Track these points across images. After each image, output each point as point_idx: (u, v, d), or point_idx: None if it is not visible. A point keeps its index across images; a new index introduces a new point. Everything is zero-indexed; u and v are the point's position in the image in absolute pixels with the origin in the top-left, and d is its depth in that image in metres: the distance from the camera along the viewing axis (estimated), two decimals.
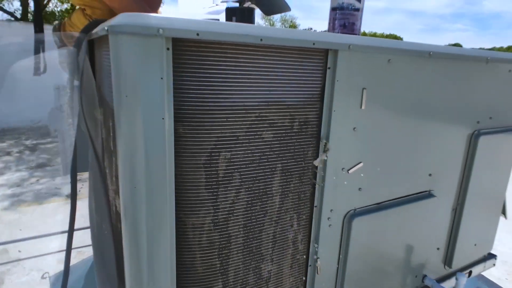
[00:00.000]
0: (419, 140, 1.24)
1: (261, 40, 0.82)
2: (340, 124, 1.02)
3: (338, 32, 1.22)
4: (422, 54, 1.13)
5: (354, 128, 1.05)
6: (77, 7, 1.45)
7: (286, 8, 1.58)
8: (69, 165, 1.42)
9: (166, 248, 0.85)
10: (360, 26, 1.23)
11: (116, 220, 1.07)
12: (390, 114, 1.13)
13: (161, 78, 0.73)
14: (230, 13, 1.58)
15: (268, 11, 1.63)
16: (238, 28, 0.79)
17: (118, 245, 1.05)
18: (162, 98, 0.75)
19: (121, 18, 0.71)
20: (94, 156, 1.09)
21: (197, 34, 0.74)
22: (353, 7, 1.19)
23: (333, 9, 1.22)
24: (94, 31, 0.99)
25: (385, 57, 1.04)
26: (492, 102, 1.45)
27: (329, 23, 1.25)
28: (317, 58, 0.95)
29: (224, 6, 1.63)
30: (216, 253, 0.94)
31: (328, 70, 0.97)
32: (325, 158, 1.02)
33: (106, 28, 0.72)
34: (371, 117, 1.08)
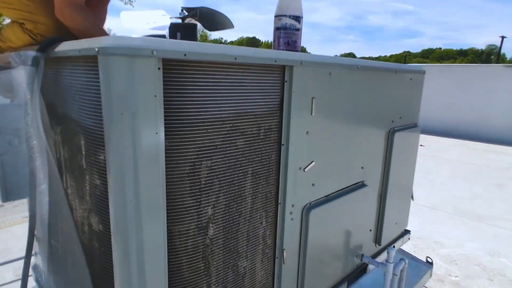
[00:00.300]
0: (353, 138, 1.48)
1: (235, 58, 0.92)
2: (297, 129, 1.17)
3: (283, 49, 1.38)
4: (352, 67, 1.36)
5: (307, 132, 1.22)
6: (8, 21, 1.35)
7: (229, 25, 1.70)
8: (23, 190, 1.31)
9: (160, 257, 0.88)
10: (300, 43, 1.42)
11: (88, 239, 1.05)
12: (332, 119, 1.33)
13: (155, 96, 0.78)
14: (175, 29, 1.64)
15: (210, 27, 1.73)
16: (217, 48, 0.88)
17: (92, 264, 1.03)
18: (155, 114, 0.80)
19: (114, 41, 0.74)
20: (58, 177, 1.05)
21: (184, 55, 0.81)
22: (294, 27, 1.37)
23: (277, 28, 1.38)
24: (60, 49, 0.97)
25: (327, 71, 1.24)
26: (400, 104, 1.78)
27: (274, 41, 1.41)
28: (276, 73, 1.09)
29: (167, 21, 1.67)
30: (200, 256, 1.00)
31: (285, 83, 1.11)
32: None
33: (96, 49, 0.74)
34: (319, 122, 1.26)
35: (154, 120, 0.80)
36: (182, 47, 0.81)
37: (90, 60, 0.86)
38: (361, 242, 1.70)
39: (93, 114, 0.89)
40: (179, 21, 1.68)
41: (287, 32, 1.36)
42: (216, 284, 1.07)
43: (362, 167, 1.58)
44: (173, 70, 0.84)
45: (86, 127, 0.93)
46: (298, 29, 1.38)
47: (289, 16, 1.35)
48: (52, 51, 1.02)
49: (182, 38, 1.70)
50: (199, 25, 1.74)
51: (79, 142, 0.98)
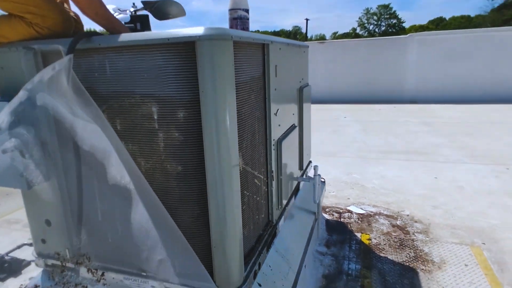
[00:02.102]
0: (289, 92, 2.16)
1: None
2: (272, 87, 1.76)
3: None
4: (286, 44, 2.01)
5: (275, 89, 1.81)
6: None
7: (181, 13, 2.04)
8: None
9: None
10: (249, 30, 1.97)
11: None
12: (282, 79, 1.96)
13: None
14: (135, 20, 1.92)
15: (161, 17, 2.04)
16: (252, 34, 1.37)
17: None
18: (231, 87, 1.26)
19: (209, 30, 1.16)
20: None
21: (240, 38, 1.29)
22: (245, 17, 1.91)
23: (233, 19, 1.89)
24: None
25: (278, 47, 1.85)
26: (301, 69, 2.56)
27: (232, 28, 1.91)
28: (259, 49, 1.63)
29: (125, 15, 1.90)
30: (243, 177, 1.50)
31: (265, 56, 1.67)
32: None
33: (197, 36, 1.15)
34: (278, 81, 1.87)
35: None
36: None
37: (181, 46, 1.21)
38: (296, 168, 2.44)
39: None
40: (141, 12, 1.94)
41: (242, 22, 1.89)
42: (248, 196, 1.59)
43: (293, 114, 2.30)
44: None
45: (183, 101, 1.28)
46: (248, 19, 1.92)
47: (242, 9, 1.88)
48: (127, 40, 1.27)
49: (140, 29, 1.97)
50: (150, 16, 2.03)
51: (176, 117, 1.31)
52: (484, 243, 2.85)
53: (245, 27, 1.91)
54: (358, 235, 3.05)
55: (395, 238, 2.99)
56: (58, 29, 1.48)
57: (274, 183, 1.88)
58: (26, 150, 1.44)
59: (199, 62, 1.20)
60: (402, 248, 2.83)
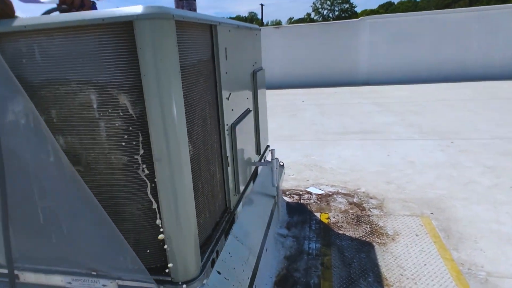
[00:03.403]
0: (238, 76, 2.11)
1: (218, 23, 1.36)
2: (222, 70, 1.70)
3: None
4: (235, 26, 1.95)
5: (226, 72, 1.76)
6: None
7: None
8: None
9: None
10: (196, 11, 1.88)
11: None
12: (234, 62, 1.90)
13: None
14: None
15: None
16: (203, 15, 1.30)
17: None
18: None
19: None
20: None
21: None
22: None
23: (179, 0, 1.79)
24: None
25: (228, 28, 1.79)
26: (254, 53, 2.52)
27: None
28: (206, 31, 1.57)
29: None
30: (195, 164, 1.45)
31: (213, 38, 1.61)
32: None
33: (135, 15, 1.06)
34: (229, 65, 1.81)
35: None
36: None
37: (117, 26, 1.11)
38: (253, 152, 2.42)
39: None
40: None
41: (189, 3, 1.80)
42: (202, 183, 1.54)
43: (247, 98, 2.26)
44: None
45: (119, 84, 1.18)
46: (195, 0, 1.84)
47: None
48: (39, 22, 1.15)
49: None
50: None
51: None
52: (432, 213, 3.05)
53: (192, 9, 1.83)
54: (318, 215, 3.13)
55: (352, 215, 3.11)
56: None
57: (229, 169, 1.84)
58: None
59: (138, 44, 1.11)
60: (359, 224, 2.95)
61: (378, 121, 6.40)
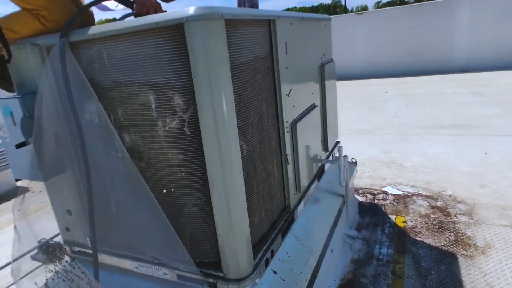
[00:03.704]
0: (306, 71, 2.03)
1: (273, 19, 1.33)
2: (282, 65, 1.65)
3: None
4: (299, 18, 1.87)
5: (286, 68, 1.70)
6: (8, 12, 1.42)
7: None
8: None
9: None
10: (259, 6, 1.86)
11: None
12: (296, 57, 1.83)
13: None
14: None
15: None
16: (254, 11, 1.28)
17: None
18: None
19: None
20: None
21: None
22: None
23: None
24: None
25: (289, 21, 1.72)
26: (323, 45, 2.40)
27: (240, 5, 1.81)
28: (264, 26, 1.53)
29: None
30: (250, 162, 1.44)
31: (272, 34, 1.56)
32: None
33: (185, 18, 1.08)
34: (290, 59, 1.75)
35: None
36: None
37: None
38: (319, 149, 2.33)
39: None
40: None
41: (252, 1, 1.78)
42: (257, 182, 1.53)
43: (313, 93, 2.17)
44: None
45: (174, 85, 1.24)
46: None
47: None
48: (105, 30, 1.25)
49: None
50: None
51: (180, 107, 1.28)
52: None
53: (254, 3, 1.81)
54: (393, 217, 2.88)
55: (434, 220, 2.79)
56: (62, 21, 1.48)
57: (289, 167, 1.79)
58: (40, 143, 1.49)
59: (188, 45, 1.13)
60: (441, 231, 2.63)
61: (477, 113, 5.61)
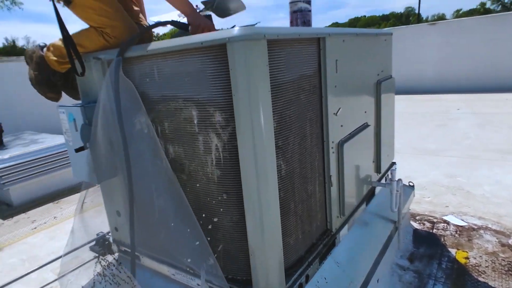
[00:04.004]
0: (358, 89, 1.94)
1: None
2: (330, 83, 1.59)
3: None
4: (354, 35, 1.80)
5: (335, 86, 1.64)
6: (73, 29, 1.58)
7: (241, 7, 2.01)
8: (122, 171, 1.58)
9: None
10: (311, 22, 1.82)
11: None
12: (347, 75, 1.76)
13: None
14: None
15: (223, 15, 2.05)
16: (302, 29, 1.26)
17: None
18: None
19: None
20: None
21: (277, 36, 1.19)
22: (307, 9, 1.77)
23: (294, 12, 1.77)
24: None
25: (341, 39, 1.66)
26: (381, 61, 2.28)
27: (292, 22, 1.80)
28: (313, 44, 1.49)
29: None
30: (288, 182, 1.40)
31: (321, 51, 1.52)
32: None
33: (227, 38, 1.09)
34: (340, 77, 1.69)
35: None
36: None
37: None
38: (369, 171, 2.20)
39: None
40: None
41: (303, 14, 1.76)
42: (295, 203, 1.48)
43: (366, 111, 2.06)
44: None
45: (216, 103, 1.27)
46: (310, 10, 1.78)
47: (303, 1, 1.74)
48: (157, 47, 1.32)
49: None
50: (213, 14, 2.06)
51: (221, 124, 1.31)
52: None
53: (306, 20, 1.78)
54: (453, 251, 2.61)
55: (503, 260, 2.46)
56: (123, 37, 1.60)
57: (333, 189, 1.72)
58: (95, 149, 1.62)
59: (230, 65, 1.15)
60: (511, 274, 2.31)
61: None
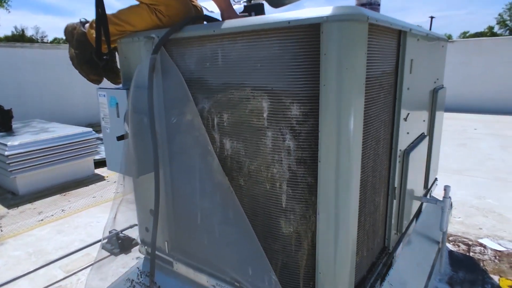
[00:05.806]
0: (423, 94, 1.77)
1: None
2: (404, 86, 1.42)
3: None
4: (424, 36, 1.64)
5: (408, 88, 1.48)
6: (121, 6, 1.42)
7: None
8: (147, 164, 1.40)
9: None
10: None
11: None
12: (417, 77, 1.60)
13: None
14: (248, 10, 1.79)
15: (277, 4, 1.89)
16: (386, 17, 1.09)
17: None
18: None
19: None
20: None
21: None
22: (376, 3, 1.61)
23: (362, 4, 1.61)
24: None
25: (416, 37, 1.50)
26: (437, 68, 2.12)
27: None
28: (393, 37, 1.33)
29: (239, 5, 1.81)
30: (361, 191, 1.23)
31: (400, 47, 1.36)
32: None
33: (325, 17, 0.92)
34: (413, 79, 1.52)
35: None
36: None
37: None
38: (421, 185, 2.02)
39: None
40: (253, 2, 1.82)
41: (372, 7, 1.60)
42: (365, 215, 1.30)
43: (424, 120, 1.89)
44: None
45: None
46: (379, 4, 1.62)
47: None
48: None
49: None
50: (265, 4, 1.90)
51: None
52: None
53: (374, 8, 1.61)
54: (495, 278, 2.42)
55: None
56: (178, 18, 1.44)
57: (395, 202, 1.54)
58: (140, 138, 1.44)
59: (323, 49, 0.98)
60: None
61: None
